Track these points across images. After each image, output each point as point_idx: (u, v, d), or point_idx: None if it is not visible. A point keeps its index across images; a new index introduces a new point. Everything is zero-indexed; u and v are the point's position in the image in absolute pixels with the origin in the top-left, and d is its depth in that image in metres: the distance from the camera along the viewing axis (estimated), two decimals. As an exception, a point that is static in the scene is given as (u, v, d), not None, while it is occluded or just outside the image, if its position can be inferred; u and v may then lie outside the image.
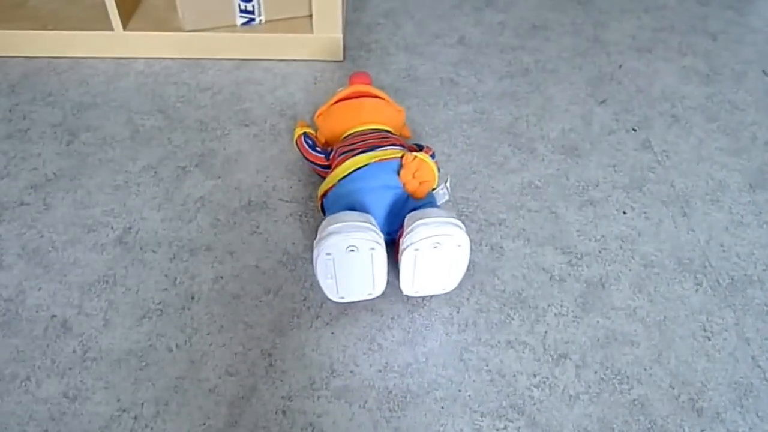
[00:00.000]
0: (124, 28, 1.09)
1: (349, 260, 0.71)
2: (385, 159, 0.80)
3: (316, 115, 0.92)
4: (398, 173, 0.79)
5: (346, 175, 0.80)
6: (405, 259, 0.72)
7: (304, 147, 0.89)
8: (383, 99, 0.91)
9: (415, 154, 0.79)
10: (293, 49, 1.12)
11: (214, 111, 1.04)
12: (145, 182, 0.93)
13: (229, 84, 1.09)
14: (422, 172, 0.79)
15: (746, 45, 1.23)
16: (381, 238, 0.71)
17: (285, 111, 1.05)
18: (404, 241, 0.72)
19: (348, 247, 0.70)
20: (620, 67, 1.16)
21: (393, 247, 0.79)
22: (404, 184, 0.79)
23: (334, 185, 0.81)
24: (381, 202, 0.78)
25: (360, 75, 0.94)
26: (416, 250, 0.71)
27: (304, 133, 0.90)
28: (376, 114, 0.89)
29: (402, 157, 0.79)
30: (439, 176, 0.82)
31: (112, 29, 1.09)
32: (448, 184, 0.83)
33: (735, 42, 1.23)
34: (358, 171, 0.79)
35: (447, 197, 0.84)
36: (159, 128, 1.01)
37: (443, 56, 1.17)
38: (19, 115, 1.03)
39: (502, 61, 1.17)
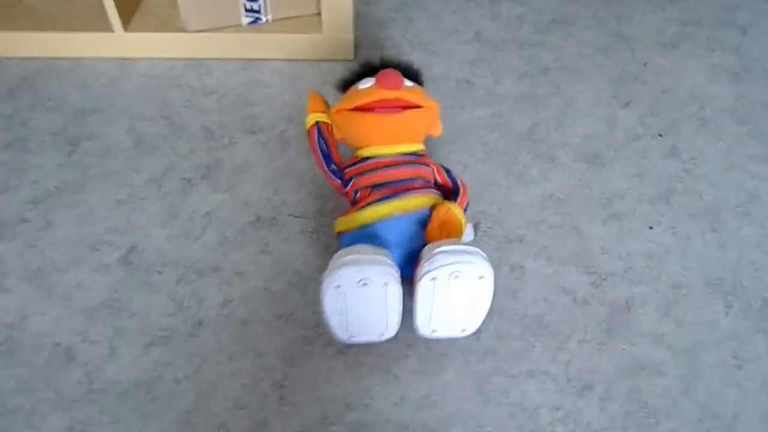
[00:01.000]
0: (125, 28, 1.04)
1: (360, 295, 0.67)
2: (411, 210, 0.74)
3: (334, 110, 0.81)
4: (424, 226, 0.73)
5: (367, 224, 0.74)
6: (421, 290, 0.68)
7: (318, 156, 0.82)
8: (415, 106, 0.78)
9: (447, 206, 0.73)
10: (301, 50, 1.07)
11: (220, 116, 1.00)
12: (150, 196, 0.89)
13: (235, 86, 1.05)
14: (450, 227, 0.73)
15: (778, 39, 1.16)
16: (397, 273, 0.67)
17: (294, 116, 1.00)
18: (420, 270, 0.68)
19: (360, 281, 0.66)
20: (645, 64, 1.11)
21: (409, 286, 0.74)
22: (428, 237, 0.73)
23: (352, 229, 0.76)
24: (402, 251, 0.74)
25: (389, 77, 0.77)
26: (433, 279, 0.67)
27: (317, 125, 0.82)
28: (404, 133, 0.79)
29: (432, 208, 0.73)
30: (466, 217, 0.77)
31: (112, 30, 1.04)
32: (474, 226, 0.78)
33: (767, 36, 1.17)
34: (380, 223, 0.74)
35: (472, 237, 0.79)
36: (163, 136, 0.97)
37: (459, 54, 1.12)
38: (18, 122, 0.99)
39: (520, 59, 1.11)
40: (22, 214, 0.87)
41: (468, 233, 0.77)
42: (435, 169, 0.80)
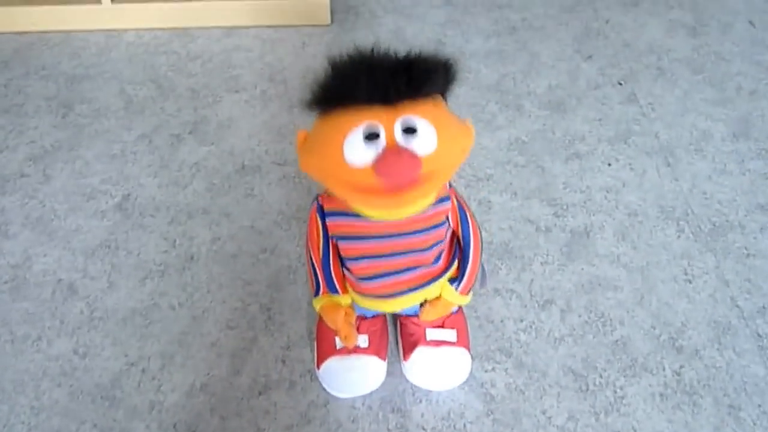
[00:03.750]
0: (112, 0, 1.10)
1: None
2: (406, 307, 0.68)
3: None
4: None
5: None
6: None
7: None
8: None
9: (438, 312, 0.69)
10: (279, 15, 1.13)
11: (205, 78, 1.06)
12: (141, 150, 0.95)
13: (218, 52, 1.11)
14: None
15: (732, -4, 1.23)
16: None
17: (274, 76, 1.06)
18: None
19: None
20: (607, 22, 1.17)
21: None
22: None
23: None
24: None
25: (397, 167, 0.49)
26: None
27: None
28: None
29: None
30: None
31: (99, 2, 1.10)
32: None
33: (721, -7, 1.24)
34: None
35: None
36: (152, 98, 1.03)
37: (430, 17, 1.18)
38: (14, 90, 1.05)
39: (488, 19, 1.18)
40: (21, 170, 0.93)
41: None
42: (451, 221, 0.64)
